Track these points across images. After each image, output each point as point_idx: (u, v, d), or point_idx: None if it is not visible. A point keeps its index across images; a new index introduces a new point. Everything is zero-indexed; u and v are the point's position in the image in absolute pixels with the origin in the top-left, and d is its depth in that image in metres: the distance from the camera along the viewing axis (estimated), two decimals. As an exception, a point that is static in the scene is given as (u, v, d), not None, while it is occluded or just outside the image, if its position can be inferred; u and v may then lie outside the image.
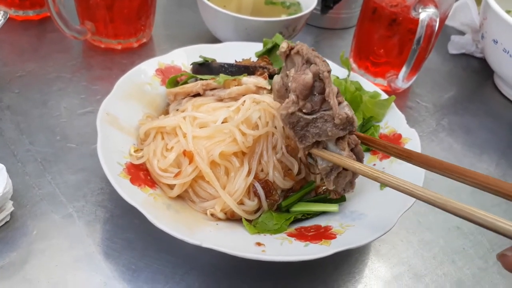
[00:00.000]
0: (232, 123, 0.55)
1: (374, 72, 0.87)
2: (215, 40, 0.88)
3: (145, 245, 0.55)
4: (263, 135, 0.58)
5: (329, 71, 0.47)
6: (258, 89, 0.64)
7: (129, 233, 0.56)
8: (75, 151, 0.66)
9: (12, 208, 0.56)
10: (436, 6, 0.72)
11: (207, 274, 0.53)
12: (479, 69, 1.00)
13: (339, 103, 0.48)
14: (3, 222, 0.55)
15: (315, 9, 0.86)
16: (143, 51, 0.87)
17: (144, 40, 0.88)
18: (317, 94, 0.48)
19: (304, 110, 0.48)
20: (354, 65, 0.90)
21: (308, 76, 0.46)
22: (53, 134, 0.68)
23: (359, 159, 0.52)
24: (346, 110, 0.47)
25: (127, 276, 0.52)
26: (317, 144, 0.50)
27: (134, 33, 0.84)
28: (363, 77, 0.87)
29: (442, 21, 0.80)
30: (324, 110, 0.48)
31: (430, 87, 0.93)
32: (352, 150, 0.51)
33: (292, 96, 0.47)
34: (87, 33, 0.80)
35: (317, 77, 0.47)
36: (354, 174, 0.53)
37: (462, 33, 1.06)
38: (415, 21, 0.74)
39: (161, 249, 0.55)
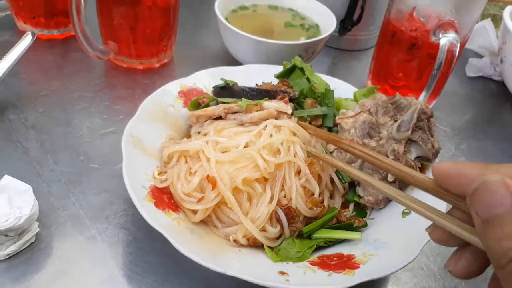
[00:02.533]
0: (254, 148, 0.56)
1: (393, 94, 0.87)
2: (234, 61, 0.89)
3: (167, 270, 0.56)
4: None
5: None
6: (279, 114, 0.65)
7: (151, 257, 0.57)
8: (98, 171, 0.67)
9: (38, 229, 0.56)
10: (456, 31, 0.73)
11: (229, 300, 0.53)
12: (497, 92, 1.00)
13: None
14: (28, 243, 0.56)
15: (333, 31, 0.87)
16: (164, 71, 0.88)
17: (166, 61, 0.89)
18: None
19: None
20: (372, 87, 0.90)
21: None
22: (77, 154, 0.69)
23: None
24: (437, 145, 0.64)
25: (150, 300, 0.53)
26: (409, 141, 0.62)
27: (156, 54, 0.86)
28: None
29: (462, 45, 0.81)
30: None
31: (448, 110, 0.93)
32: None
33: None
34: (110, 53, 0.82)
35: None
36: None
37: (479, 55, 1.07)
38: (435, 46, 0.75)
39: (183, 274, 0.55)
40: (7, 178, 0.57)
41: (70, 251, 0.56)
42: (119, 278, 0.54)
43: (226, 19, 0.88)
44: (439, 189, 0.39)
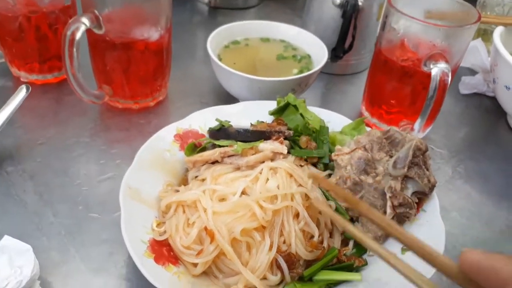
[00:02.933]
0: (251, 197, 0.56)
1: (388, 119, 0.88)
2: (228, 95, 0.89)
3: (170, 322, 0.55)
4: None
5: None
6: (275, 155, 0.65)
7: (154, 309, 0.57)
8: (97, 221, 0.67)
9: (39, 288, 0.57)
10: (446, 61, 0.73)
11: None
12: (491, 109, 1.00)
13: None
14: (31, 303, 0.56)
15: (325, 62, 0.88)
16: (160, 109, 0.89)
17: (161, 98, 0.90)
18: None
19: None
20: (366, 113, 0.91)
21: None
22: (75, 204, 0.69)
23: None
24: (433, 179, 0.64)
25: None
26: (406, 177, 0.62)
27: (150, 94, 0.86)
28: (377, 125, 0.89)
29: (454, 72, 0.81)
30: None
31: (444, 131, 0.93)
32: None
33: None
34: (105, 96, 0.83)
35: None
36: None
37: (473, 71, 1.07)
38: (427, 74, 0.75)
39: (187, 327, 0.55)
40: (6, 239, 0.57)
41: (73, 308, 0.57)
42: (123, 335, 0.54)
43: (219, 56, 0.89)
44: (463, 277, 0.37)
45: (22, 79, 0.89)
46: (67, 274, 0.60)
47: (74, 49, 0.73)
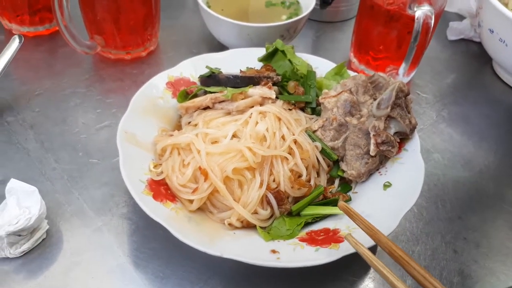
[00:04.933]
0: (241, 142, 0.60)
1: (375, 66, 0.90)
2: (219, 44, 0.91)
3: (169, 254, 0.61)
4: (271, 145, 0.62)
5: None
6: (264, 99, 0.68)
7: (155, 243, 0.62)
8: (97, 166, 0.71)
9: (47, 226, 0.61)
10: (430, 3, 0.75)
11: (228, 278, 0.59)
12: (478, 54, 1.02)
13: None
14: (40, 240, 0.60)
15: (313, 7, 0.88)
16: (151, 59, 0.90)
17: (152, 48, 0.91)
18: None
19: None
20: (354, 60, 0.93)
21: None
22: (76, 151, 0.72)
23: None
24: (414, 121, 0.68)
25: (157, 283, 0.58)
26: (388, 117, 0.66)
27: (141, 43, 0.87)
28: (365, 71, 0.91)
29: (438, 15, 0.83)
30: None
31: (430, 76, 0.96)
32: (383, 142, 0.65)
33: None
34: (97, 47, 0.84)
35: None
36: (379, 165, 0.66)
37: (461, 17, 1.08)
38: (412, 17, 0.77)
39: (185, 257, 0.60)
40: (13, 182, 0.61)
41: (79, 243, 0.61)
42: (127, 265, 0.59)
43: (207, 3, 0.89)
44: None
45: (14, 32, 0.90)
46: (72, 214, 0.64)
47: (64, 0, 0.73)
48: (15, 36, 0.73)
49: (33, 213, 0.58)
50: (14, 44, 0.71)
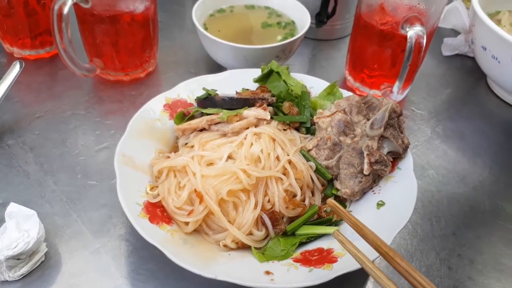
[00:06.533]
0: (236, 163, 0.61)
1: (370, 83, 0.91)
2: (216, 64, 0.92)
3: (166, 275, 0.61)
4: (266, 166, 0.63)
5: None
6: (259, 121, 0.69)
7: (151, 264, 0.63)
8: (95, 187, 0.72)
9: (46, 249, 0.62)
10: (422, 24, 0.76)
11: (223, 299, 0.60)
12: (473, 69, 1.03)
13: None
14: (39, 262, 0.61)
15: (310, 23, 0.90)
16: (150, 80, 0.92)
17: (150, 69, 0.93)
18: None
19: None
20: (350, 77, 0.94)
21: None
22: (74, 173, 0.74)
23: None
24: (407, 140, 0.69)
25: (153, 305, 0.59)
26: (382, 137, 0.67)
27: (140, 65, 0.89)
28: (360, 88, 0.92)
29: (431, 34, 0.84)
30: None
31: (425, 92, 0.97)
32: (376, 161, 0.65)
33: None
34: (96, 69, 0.86)
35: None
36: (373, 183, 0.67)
37: (455, 32, 1.09)
38: (405, 37, 0.78)
39: (181, 278, 0.61)
40: (13, 206, 0.62)
41: (77, 265, 0.62)
42: (124, 287, 0.60)
43: (204, 24, 0.91)
44: None
45: (15, 55, 0.92)
46: (70, 236, 0.65)
47: (63, 24, 0.75)
48: (16, 62, 0.75)
49: (32, 237, 0.59)
50: (15, 70, 0.73)
